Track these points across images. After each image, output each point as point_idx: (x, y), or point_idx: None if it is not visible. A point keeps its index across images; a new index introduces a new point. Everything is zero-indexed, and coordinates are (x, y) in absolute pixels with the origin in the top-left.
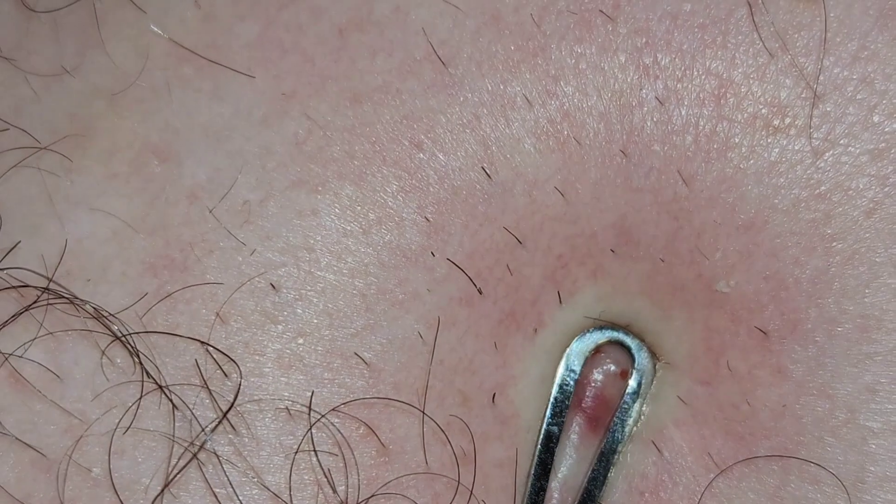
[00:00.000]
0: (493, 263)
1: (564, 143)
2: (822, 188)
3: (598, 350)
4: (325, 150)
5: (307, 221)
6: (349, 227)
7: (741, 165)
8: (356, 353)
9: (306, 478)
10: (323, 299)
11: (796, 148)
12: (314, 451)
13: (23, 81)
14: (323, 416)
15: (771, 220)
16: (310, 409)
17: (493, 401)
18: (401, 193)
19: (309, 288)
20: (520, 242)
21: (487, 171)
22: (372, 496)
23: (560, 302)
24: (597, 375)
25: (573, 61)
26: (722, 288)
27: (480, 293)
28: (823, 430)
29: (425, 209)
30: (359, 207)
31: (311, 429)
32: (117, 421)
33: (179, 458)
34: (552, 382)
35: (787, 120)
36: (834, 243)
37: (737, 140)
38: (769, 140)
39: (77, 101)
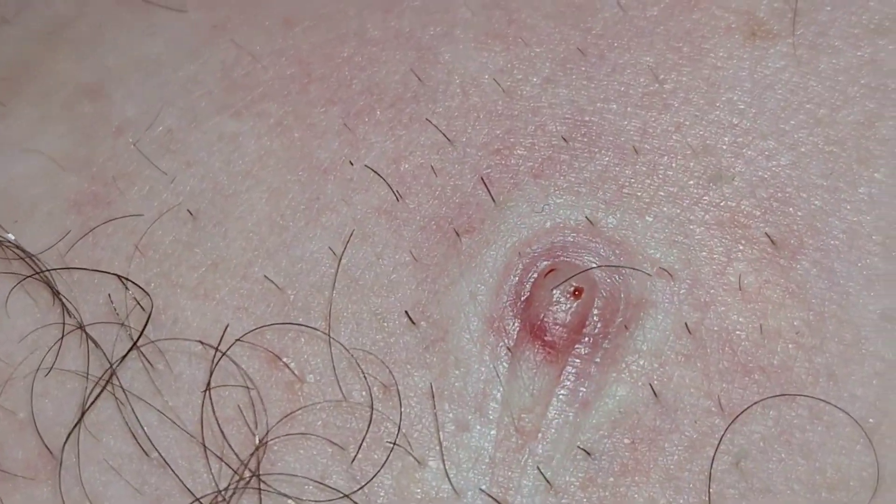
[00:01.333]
0: (418, 166)
1: (511, 43)
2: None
3: (552, 258)
4: (252, 75)
5: (228, 145)
6: (270, 146)
7: (719, 65)
8: (266, 277)
9: (225, 414)
10: (239, 223)
11: (780, 52)
12: (217, 387)
13: None
14: (224, 353)
15: (762, 112)
16: (219, 343)
17: (412, 322)
18: (325, 107)
19: (226, 213)
20: (449, 140)
21: (417, 73)
22: (278, 437)
23: (493, 201)
24: (547, 291)
25: None
26: (718, 185)
27: (398, 199)
28: (839, 363)
29: (348, 118)
30: (280, 126)
31: (215, 365)
32: (39, 362)
33: (96, 396)
34: (488, 299)
35: (766, 27)
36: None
37: (714, 41)
38: (749, 44)
39: (15, 47)
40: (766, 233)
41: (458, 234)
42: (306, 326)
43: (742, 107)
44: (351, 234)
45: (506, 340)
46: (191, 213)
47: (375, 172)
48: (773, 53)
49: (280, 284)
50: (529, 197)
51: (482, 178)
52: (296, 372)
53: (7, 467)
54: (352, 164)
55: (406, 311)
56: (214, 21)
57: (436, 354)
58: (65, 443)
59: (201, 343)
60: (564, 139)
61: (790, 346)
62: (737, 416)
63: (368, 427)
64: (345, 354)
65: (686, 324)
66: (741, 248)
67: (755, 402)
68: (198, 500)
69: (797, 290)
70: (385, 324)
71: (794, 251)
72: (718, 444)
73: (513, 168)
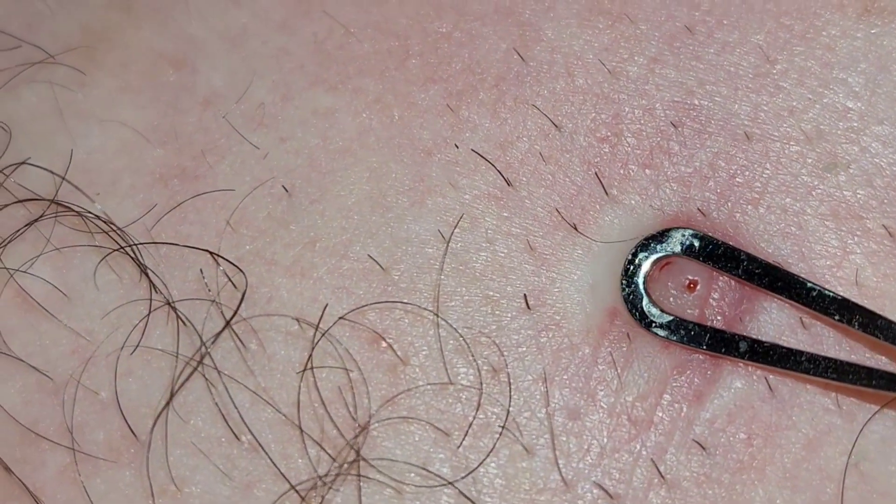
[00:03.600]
0: (525, 152)
1: (616, 20)
2: None
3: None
4: (346, 48)
5: (324, 121)
6: (369, 124)
7: (834, 45)
8: (370, 257)
9: (323, 396)
10: (338, 202)
11: None
12: (315, 367)
13: None
14: (325, 332)
15: (878, 95)
16: (319, 322)
17: (527, 306)
18: (425, 85)
19: (324, 190)
20: (556, 127)
21: (520, 53)
22: (380, 421)
23: (606, 193)
24: (664, 284)
25: None
26: (833, 173)
27: (509, 185)
28: None
29: (450, 98)
30: (379, 104)
31: (315, 343)
32: (123, 340)
33: (187, 377)
34: (605, 289)
35: (880, 4)
36: None
37: (826, 18)
38: (863, 21)
39: (92, 13)
40: (883, 224)
41: (574, 227)
42: (414, 305)
43: (857, 89)
44: (460, 218)
45: (623, 329)
46: (286, 190)
47: (485, 159)
48: (888, 31)
49: (383, 265)
50: (640, 188)
51: (595, 173)
52: (399, 354)
53: (88, 449)
54: (457, 146)
55: (524, 295)
56: None
57: (549, 339)
58: (154, 424)
59: (298, 322)
60: (673, 124)
61: None
62: (867, 422)
63: (476, 411)
64: (451, 337)
65: (801, 319)
66: (858, 240)
67: (881, 408)
68: (293, 487)
69: None
70: (497, 307)
71: None
72: (852, 448)
73: (622, 158)
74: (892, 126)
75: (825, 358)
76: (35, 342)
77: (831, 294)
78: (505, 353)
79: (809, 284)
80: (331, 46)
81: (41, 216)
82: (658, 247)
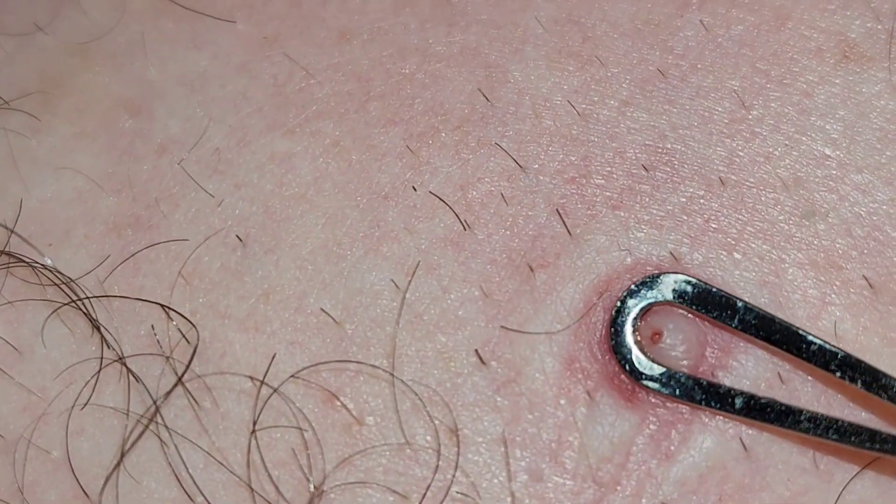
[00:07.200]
0: (487, 194)
1: (586, 62)
2: None
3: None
4: (306, 91)
5: (281, 166)
6: (326, 169)
7: (809, 90)
8: (322, 310)
9: (277, 456)
10: (292, 251)
11: (875, 77)
12: (268, 427)
13: None
14: (276, 389)
15: (857, 143)
16: (262, 380)
17: (481, 361)
18: (385, 127)
19: (278, 239)
20: (520, 167)
21: (485, 93)
22: (335, 486)
23: (569, 234)
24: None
25: None
26: (811, 221)
27: (466, 228)
28: None
29: (411, 139)
30: (337, 147)
31: (264, 403)
32: (75, 397)
33: (138, 435)
34: (565, 339)
35: (859, 50)
36: None
37: (803, 64)
38: (841, 67)
39: (49, 58)
40: (863, 276)
41: (531, 269)
42: (367, 364)
43: (835, 136)
44: (417, 266)
45: (585, 383)
46: (240, 239)
47: (441, 200)
48: (867, 78)
49: (337, 318)
50: (608, 230)
51: (557, 210)
52: (354, 413)
53: None
54: (415, 189)
55: (476, 350)
56: (264, 33)
57: (507, 397)
58: (103, 486)
59: (251, 379)
60: (645, 168)
61: None
62: (847, 483)
63: (434, 474)
64: (407, 395)
65: (779, 373)
66: (836, 291)
67: (863, 468)
68: None
69: None
70: (452, 363)
71: (895, 297)
72: None
73: (589, 198)
74: (871, 174)
75: (826, 417)
76: None
77: (832, 349)
78: (461, 413)
79: (810, 337)
80: (290, 89)
81: None
82: (648, 293)
